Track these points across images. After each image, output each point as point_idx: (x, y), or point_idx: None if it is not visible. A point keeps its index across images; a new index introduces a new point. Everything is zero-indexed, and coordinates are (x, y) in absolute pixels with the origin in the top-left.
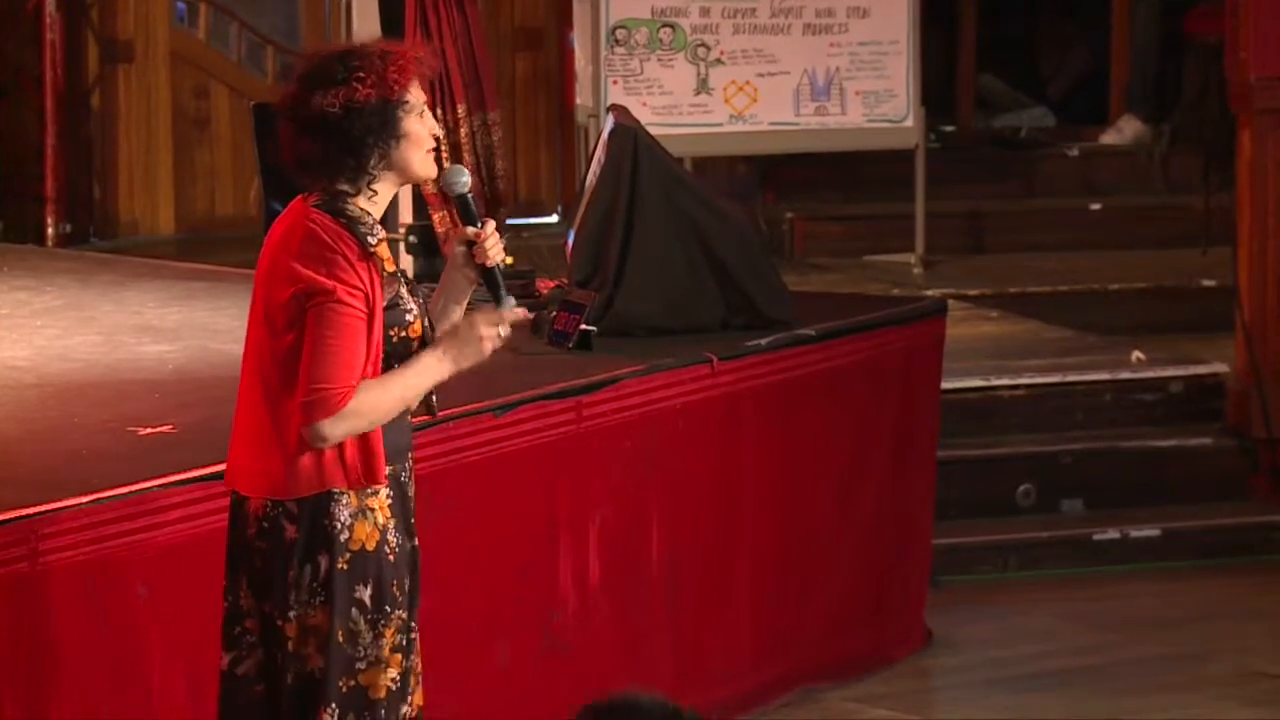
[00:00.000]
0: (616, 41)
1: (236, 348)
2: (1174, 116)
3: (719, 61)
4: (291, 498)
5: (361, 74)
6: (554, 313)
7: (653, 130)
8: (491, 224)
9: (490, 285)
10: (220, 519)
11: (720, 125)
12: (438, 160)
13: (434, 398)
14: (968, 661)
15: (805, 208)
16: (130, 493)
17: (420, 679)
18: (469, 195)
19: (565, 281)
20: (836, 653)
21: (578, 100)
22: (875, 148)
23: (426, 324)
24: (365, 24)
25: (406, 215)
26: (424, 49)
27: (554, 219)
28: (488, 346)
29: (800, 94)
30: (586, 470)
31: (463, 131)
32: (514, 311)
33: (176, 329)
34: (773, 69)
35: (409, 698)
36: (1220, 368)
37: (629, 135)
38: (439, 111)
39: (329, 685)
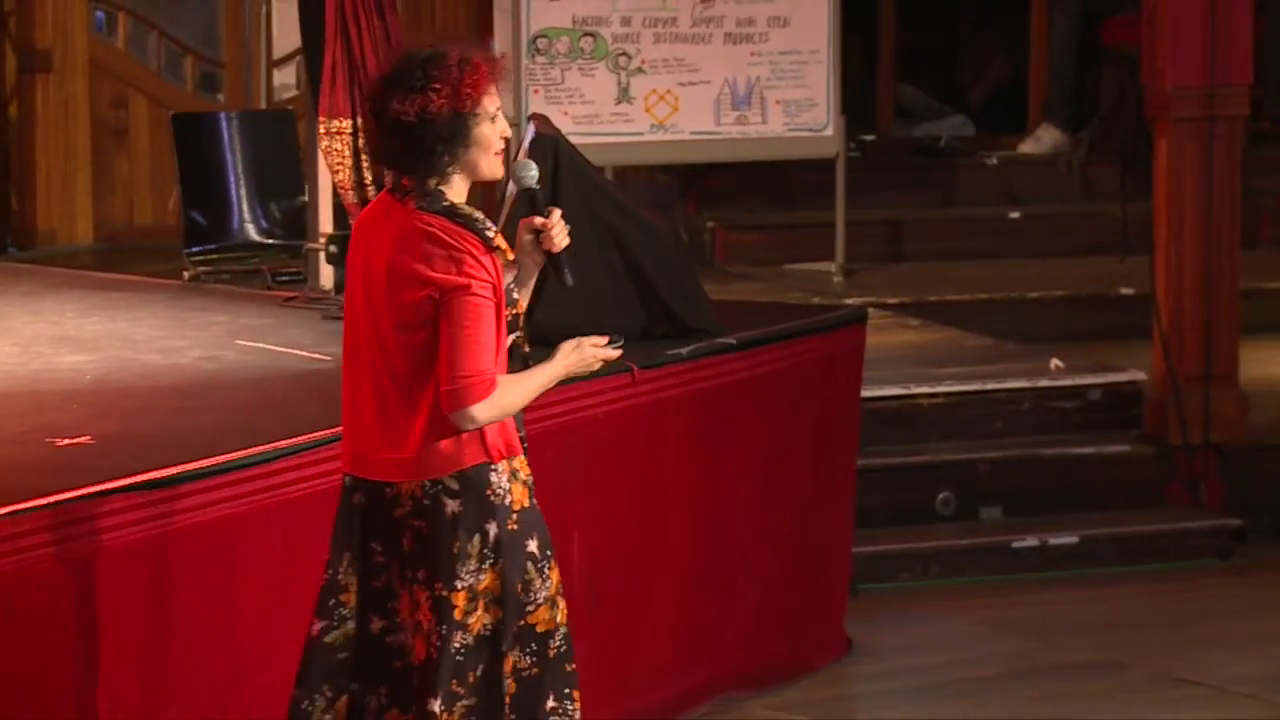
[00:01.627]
0: (537, 50)
1: (155, 358)
2: (1092, 125)
3: (640, 71)
4: (449, 474)
5: (438, 85)
6: None
7: (574, 139)
8: (557, 213)
9: (555, 268)
10: (142, 529)
11: (641, 134)
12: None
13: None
14: (888, 669)
15: (726, 217)
16: (48, 504)
17: None
18: (536, 187)
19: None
20: (757, 661)
21: None
22: (796, 157)
23: (520, 299)
24: (285, 33)
25: (327, 225)
26: (498, 59)
27: None
28: (596, 366)
29: (721, 103)
30: None
31: None
32: (618, 349)
33: (95, 339)
34: (694, 78)
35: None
36: (1138, 375)
37: (550, 144)
38: (359, 120)
39: (508, 630)
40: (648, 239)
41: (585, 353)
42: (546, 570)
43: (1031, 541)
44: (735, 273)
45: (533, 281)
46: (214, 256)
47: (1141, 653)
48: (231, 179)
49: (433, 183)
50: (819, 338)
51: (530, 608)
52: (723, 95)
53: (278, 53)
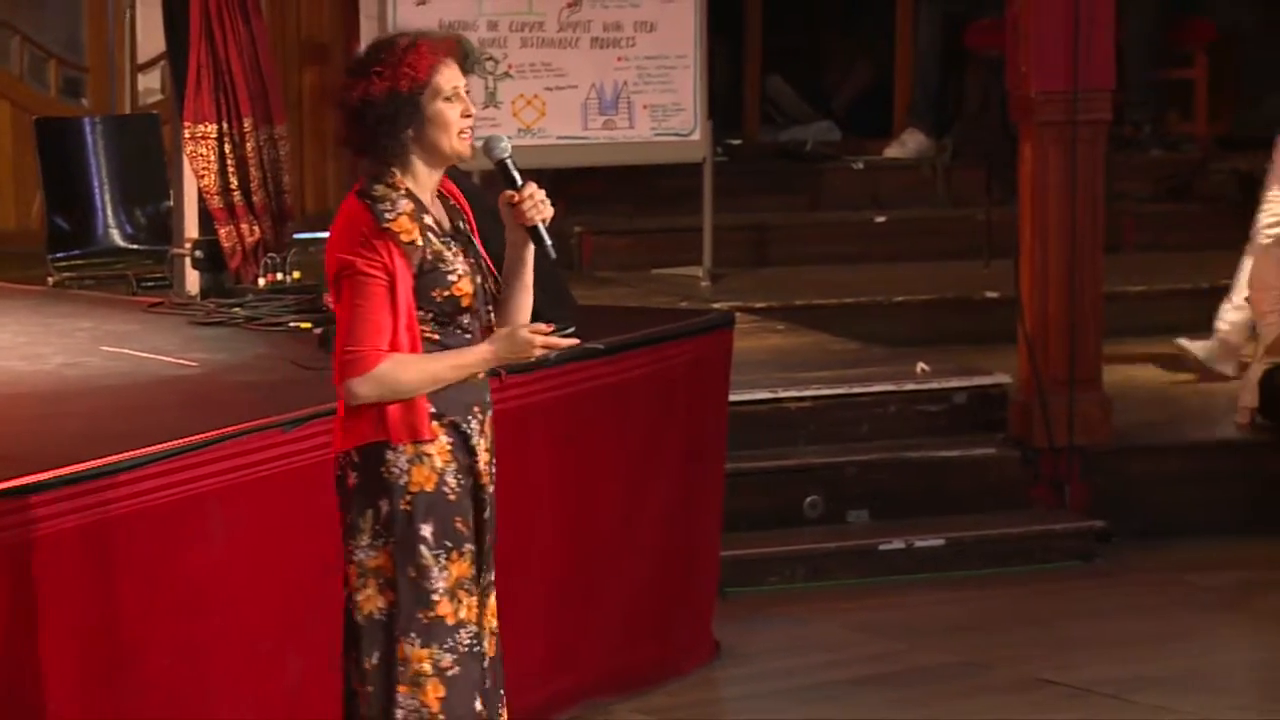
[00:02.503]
0: None
1: (18, 364)
2: (956, 130)
3: (507, 75)
4: (352, 448)
5: (379, 68)
6: None
7: None
8: (531, 186)
9: (535, 240)
10: (13, 534)
11: (509, 138)
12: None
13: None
14: (756, 672)
15: (593, 221)
16: None
17: (494, 613)
18: (508, 160)
19: None
20: (624, 665)
21: None
22: (663, 161)
23: (480, 280)
24: (149, 37)
25: (192, 230)
26: (444, 40)
27: None
28: (536, 354)
29: (588, 108)
30: None
31: (249, 145)
32: (570, 339)
33: None
34: (561, 83)
35: (484, 625)
36: (1003, 379)
37: None
38: (225, 125)
39: (405, 618)
40: None
41: (518, 339)
42: (445, 560)
43: (898, 544)
44: (603, 277)
45: (527, 256)
46: (78, 262)
47: (1006, 654)
48: (96, 184)
49: (388, 166)
50: (687, 342)
51: (434, 596)
52: (590, 100)
53: (142, 57)
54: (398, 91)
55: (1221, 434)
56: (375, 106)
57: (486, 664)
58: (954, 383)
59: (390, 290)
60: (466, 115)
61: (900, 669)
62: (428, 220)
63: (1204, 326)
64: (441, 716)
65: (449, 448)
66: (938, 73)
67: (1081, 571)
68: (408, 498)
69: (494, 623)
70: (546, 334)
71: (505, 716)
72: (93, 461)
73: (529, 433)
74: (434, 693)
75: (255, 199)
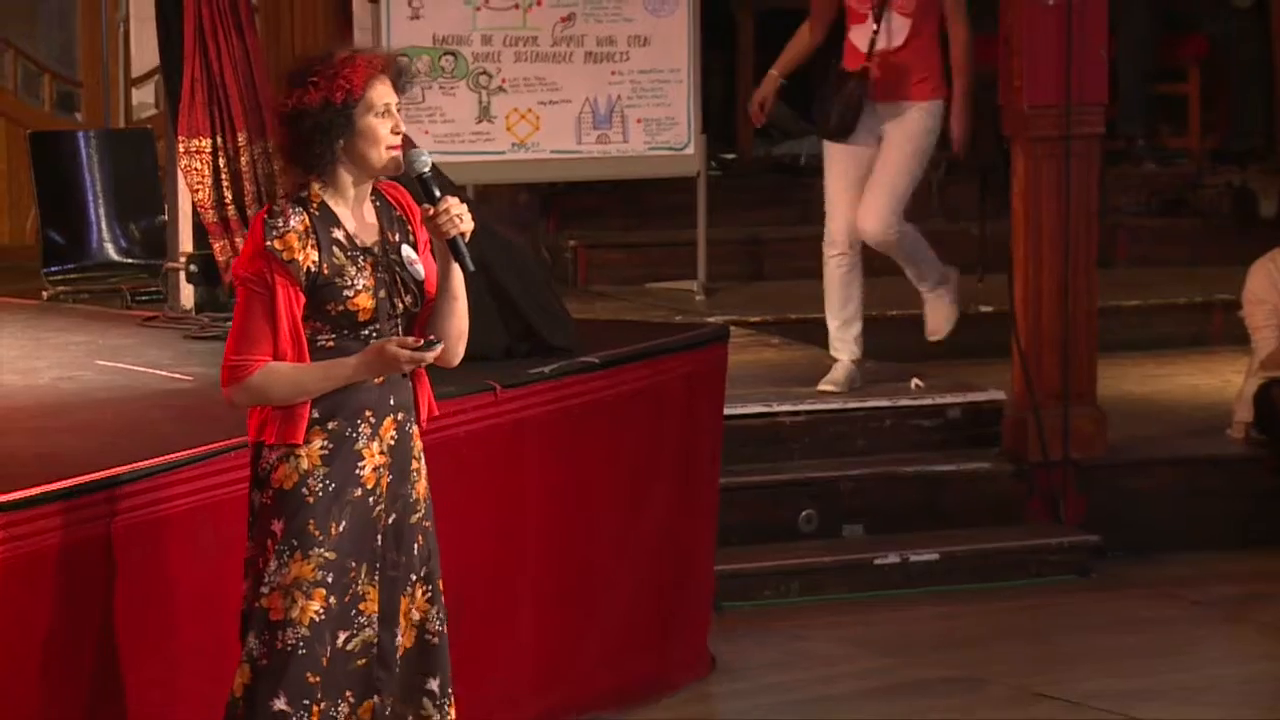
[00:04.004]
0: None
1: (14, 378)
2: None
3: (501, 89)
4: (251, 442)
5: (315, 79)
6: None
7: (435, 158)
8: (449, 199)
9: (455, 255)
10: (15, 546)
11: (503, 153)
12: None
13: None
14: (750, 687)
15: (588, 235)
16: None
17: (397, 621)
18: (427, 175)
19: None
20: (619, 679)
21: None
22: (657, 175)
23: (384, 295)
24: (143, 52)
25: (186, 244)
26: (380, 55)
27: None
28: (404, 368)
29: (582, 122)
30: None
31: (244, 159)
32: (435, 351)
33: None
34: (555, 97)
35: (354, 632)
36: (997, 394)
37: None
38: (219, 139)
39: (248, 605)
40: (509, 258)
41: (388, 353)
42: (287, 558)
43: (893, 558)
44: (598, 292)
45: (450, 269)
46: (73, 276)
47: (1001, 668)
48: (90, 198)
49: (314, 175)
50: (681, 356)
51: (265, 589)
52: (584, 114)
53: (136, 71)
54: (331, 103)
55: (1216, 449)
56: (309, 115)
57: (308, 661)
58: (948, 398)
59: (270, 304)
60: (396, 132)
61: (896, 684)
62: (336, 234)
63: (1197, 341)
64: (242, 705)
65: (321, 452)
66: None
67: (1076, 586)
68: (270, 492)
69: (416, 616)
70: (413, 348)
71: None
72: (88, 475)
73: (524, 447)
74: (241, 679)
75: (249, 213)
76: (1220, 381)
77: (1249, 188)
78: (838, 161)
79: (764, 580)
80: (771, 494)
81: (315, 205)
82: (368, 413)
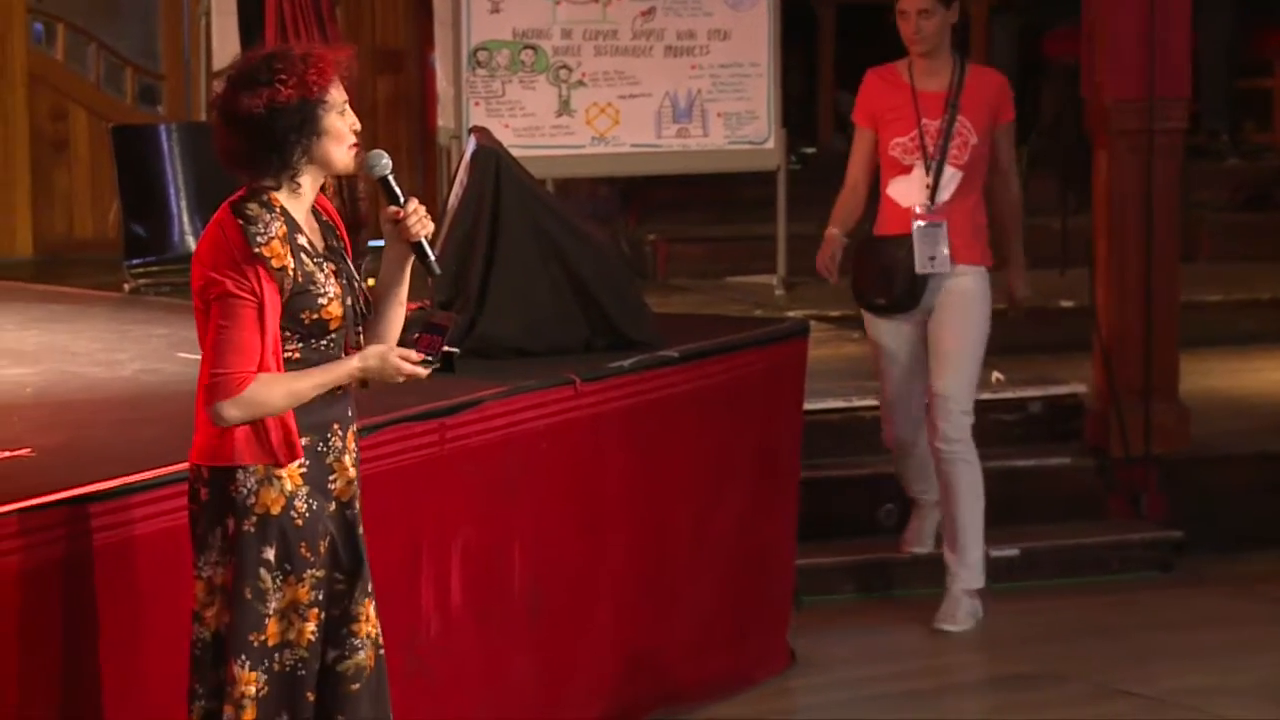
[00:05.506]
0: (478, 63)
1: (95, 370)
2: (1032, 139)
3: (581, 83)
4: (206, 465)
5: (284, 76)
6: (416, 335)
7: (515, 152)
8: (414, 201)
9: (420, 257)
10: (78, 543)
11: (582, 147)
12: None
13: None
14: (830, 682)
15: (667, 229)
16: None
17: (375, 642)
18: (389, 176)
19: (427, 303)
20: (699, 674)
21: (439, 122)
22: (737, 169)
23: (351, 302)
24: (225, 45)
25: None
26: (344, 50)
27: None
28: (400, 380)
29: (662, 116)
30: (449, 492)
31: None
32: (429, 369)
33: (35, 352)
34: (634, 91)
35: (343, 651)
36: (1078, 388)
37: (491, 157)
38: None
39: (238, 638)
40: (589, 251)
41: (389, 362)
42: (280, 583)
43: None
44: (677, 285)
45: (404, 274)
46: (154, 269)
47: (1083, 665)
48: (171, 191)
49: (277, 181)
50: (761, 350)
51: (266, 620)
52: (663, 108)
53: (217, 64)
54: (307, 100)
55: None
56: (287, 114)
57: (307, 680)
58: (1029, 392)
59: (259, 313)
60: (355, 130)
61: (975, 680)
62: (300, 240)
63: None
64: None
65: (300, 471)
66: (1013, 81)
67: (1158, 582)
68: (253, 519)
69: (375, 631)
70: (415, 362)
71: None
72: (174, 466)
73: (603, 440)
74: (249, 715)
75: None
76: None
77: None
78: (891, 340)
79: (844, 575)
80: (852, 488)
81: (278, 209)
82: (335, 425)
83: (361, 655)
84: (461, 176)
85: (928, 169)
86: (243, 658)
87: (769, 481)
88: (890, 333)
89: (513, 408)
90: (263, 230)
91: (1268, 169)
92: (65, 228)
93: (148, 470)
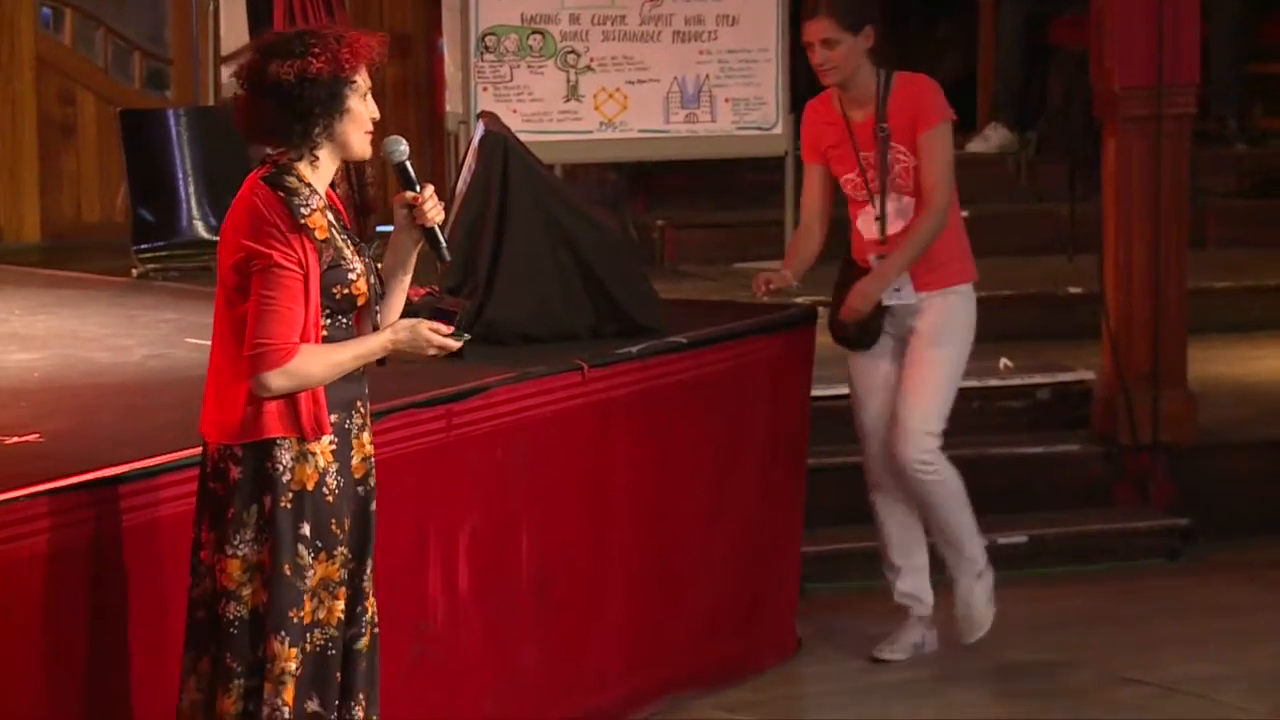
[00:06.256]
0: (486, 48)
1: (104, 355)
2: (1040, 124)
3: (589, 68)
4: (238, 443)
5: (317, 50)
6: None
7: (523, 137)
8: (430, 188)
9: (431, 243)
10: (88, 529)
11: (590, 132)
12: None
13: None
14: (837, 669)
15: (675, 215)
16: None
17: (374, 621)
18: (407, 162)
19: (435, 289)
20: (706, 660)
21: (447, 107)
22: (745, 155)
23: (374, 280)
24: (233, 30)
25: None
26: (378, 36)
27: None
28: (430, 354)
29: (670, 101)
30: (457, 478)
31: None
32: (459, 342)
33: (43, 337)
34: (643, 76)
35: (359, 629)
36: (1087, 375)
37: (499, 142)
38: None
39: (277, 615)
40: (597, 237)
41: (420, 334)
42: (313, 560)
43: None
44: (685, 271)
45: (412, 260)
46: (162, 254)
47: (1090, 652)
48: (180, 176)
49: (299, 153)
50: (769, 337)
51: (304, 595)
52: (672, 93)
53: (226, 49)
54: (338, 76)
55: None
56: (316, 87)
57: (336, 660)
58: (1037, 379)
59: (304, 284)
60: (374, 118)
61: (983, 667)
62: (330, 217)
63: None
64: (288, 715)
65: (332, 447)
66: (1021, 68)
67: (1165, 569)
68: (290, 495)
69: (374, 609)
70: (445, 335)
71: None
72: (183, 452)
73: (611, 426)
74: (289, 693)
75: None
76: None
77: None
78: (864, 373)
79: (851, 562)
80: (859, 475)
81: (306, 184)
82: (358, 403)
83: (366, 634)
84: (470, 162)
85: (873, 203)
86: (283, 634)
87: (776, 467)
88: (860, 366)
89: (520, 394)
90: (305, 201)
91: (1276, 155)
92: (73, 212)
93: (159, 455)
